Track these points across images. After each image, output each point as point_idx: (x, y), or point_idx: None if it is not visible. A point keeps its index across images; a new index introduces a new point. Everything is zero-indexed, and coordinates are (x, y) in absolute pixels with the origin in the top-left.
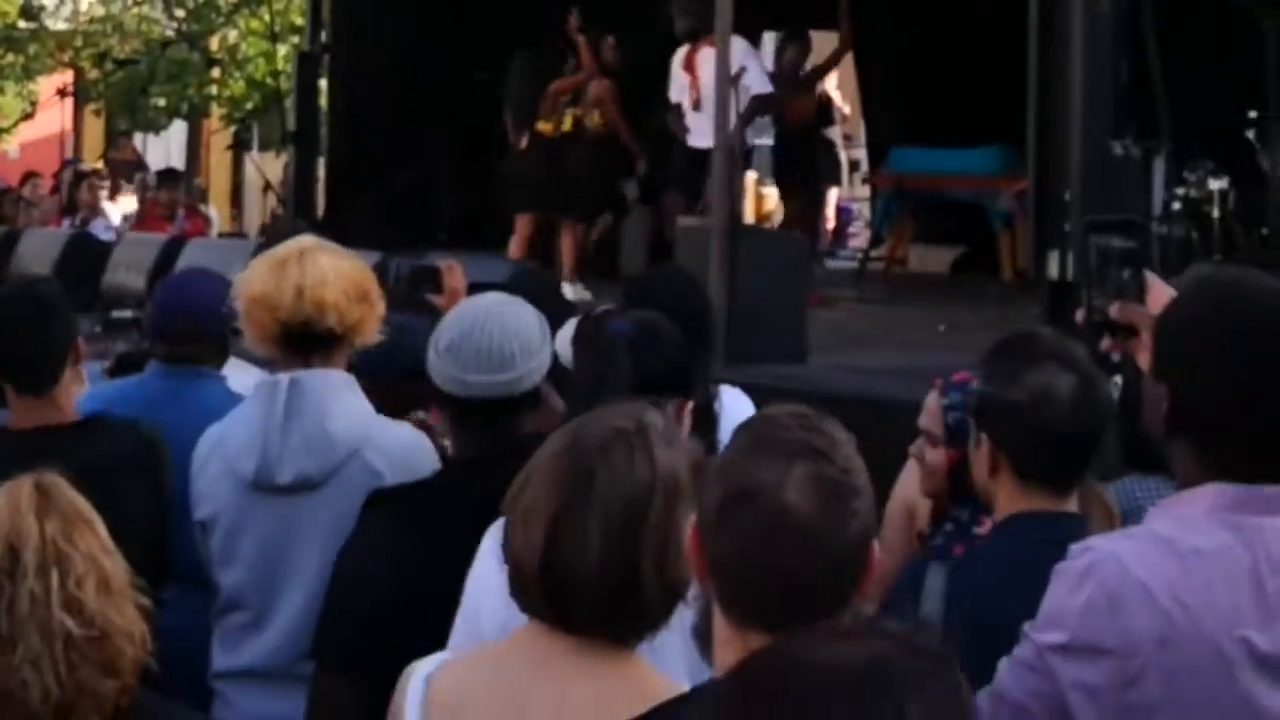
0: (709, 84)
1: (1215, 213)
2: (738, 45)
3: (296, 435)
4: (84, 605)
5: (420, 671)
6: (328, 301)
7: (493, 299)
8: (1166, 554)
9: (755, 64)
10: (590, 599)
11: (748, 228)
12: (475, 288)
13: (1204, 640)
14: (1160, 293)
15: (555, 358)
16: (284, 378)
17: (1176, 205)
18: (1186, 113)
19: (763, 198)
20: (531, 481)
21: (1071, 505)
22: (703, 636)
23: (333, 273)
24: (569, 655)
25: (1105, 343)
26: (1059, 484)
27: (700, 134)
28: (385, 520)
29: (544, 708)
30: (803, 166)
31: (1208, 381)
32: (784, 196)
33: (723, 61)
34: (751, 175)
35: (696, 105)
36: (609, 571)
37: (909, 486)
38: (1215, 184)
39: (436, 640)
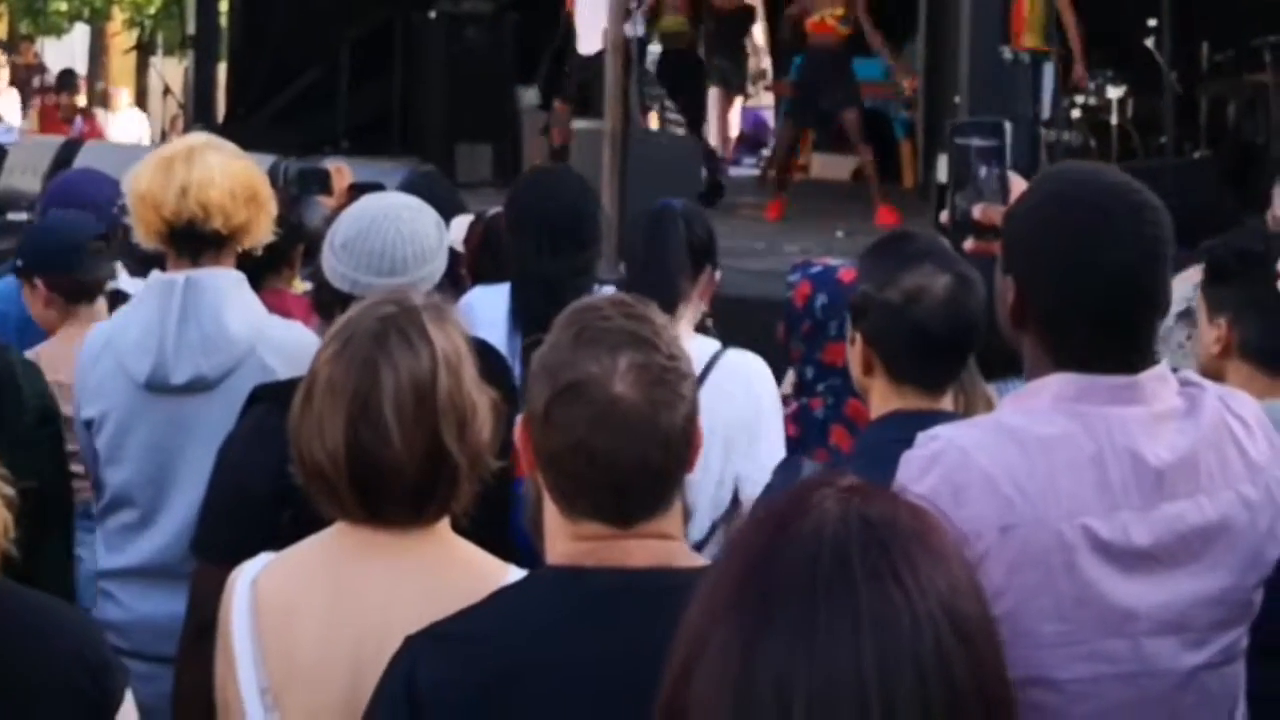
0: None
1: (1114, 119)
2: None
3: (194, 334)
4: None
5: (246, 574)
6: (213, 201)
7: (393, 199)
8: (1010, 442)
9: None
10: (402, 486)
11: (640, 131)
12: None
13: (1045, 527)
14: (1020, 192)
15: (453, 255)
16: (179, 277)
17: (1076, 113)
18: (1086, 20)
19: None
20: (313, 387)
21: (946, 403)
22: (533, 526)
23: (220, 172)
24: (391, 546)
25: (968, 244)
26: (931, 383)
27: (587, 38)
28: (268, 414)
29: (375, 602)
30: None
31: (1048, 273)
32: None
33: None
34: None
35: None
36: (414, 454)
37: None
38: (1114, 91)
39: (313, 525)
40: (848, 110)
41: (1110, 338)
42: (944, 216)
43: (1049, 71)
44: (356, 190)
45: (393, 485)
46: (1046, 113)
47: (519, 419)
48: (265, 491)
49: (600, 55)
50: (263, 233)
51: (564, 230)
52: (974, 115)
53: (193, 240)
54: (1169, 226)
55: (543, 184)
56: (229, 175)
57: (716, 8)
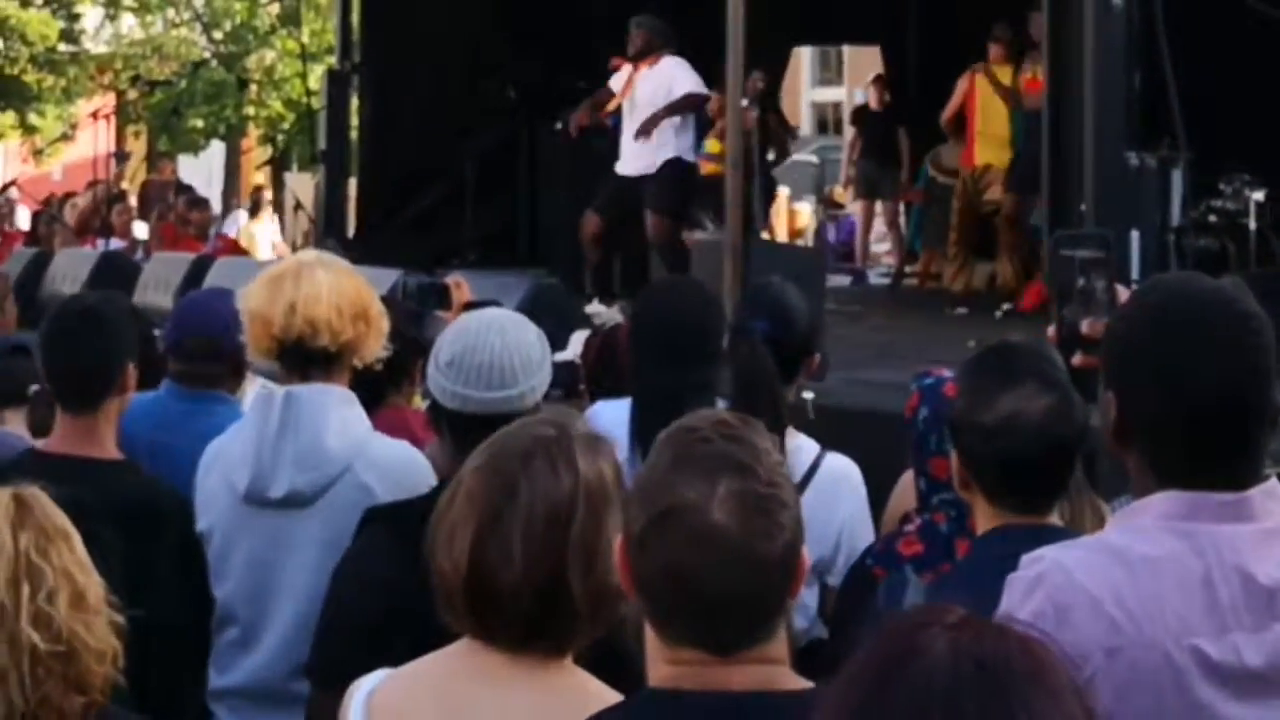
0: (644, 105)
1: (1251, 224)
2: (670, 62)
3: (290, 449)
4: (53, 620)
5: (363, 688)
6: (320, 319)
7: (494, 314)
8: (1115, 563)
9: (686, 74)
10: (516, 611)
11: (760, 241)
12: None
13: (1153, 649)
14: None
15: (571, 368)
16: (280, 391)
17: (1212, 217)
18: (1223, 124)
19: (795, 214)
20: (455, 496)
21: (1052, 518)
22: (636, 650)
23: (328, 289)
24: (505, 668)
25: (1077, 358)
26: (1029, 505)
27: (630, 159)
28: (381, 536)
29: None
30: None
31: (1148, 388)
32: None
33: (734, 78)
34: (783, 192)
35: (629, 127)
36: (533, 582)
37: (900, 505)
38: (1252, 195)
39: (431, 650)
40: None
41: (1215, 453)
42: (1051, 331)
43: (1178, 176)
44: (472, 308)
45: (507, 608)
46: (1176, 219)
47: (618, 540)
48: (379, 615)
49: (632, 177)
50: (372, 349)
51: (685, 343)
52: (1099, 223)
53: (301, 357)
54: (1272, 335)
55: (665, 296)
56: (337, 292)
57: (865, 109)
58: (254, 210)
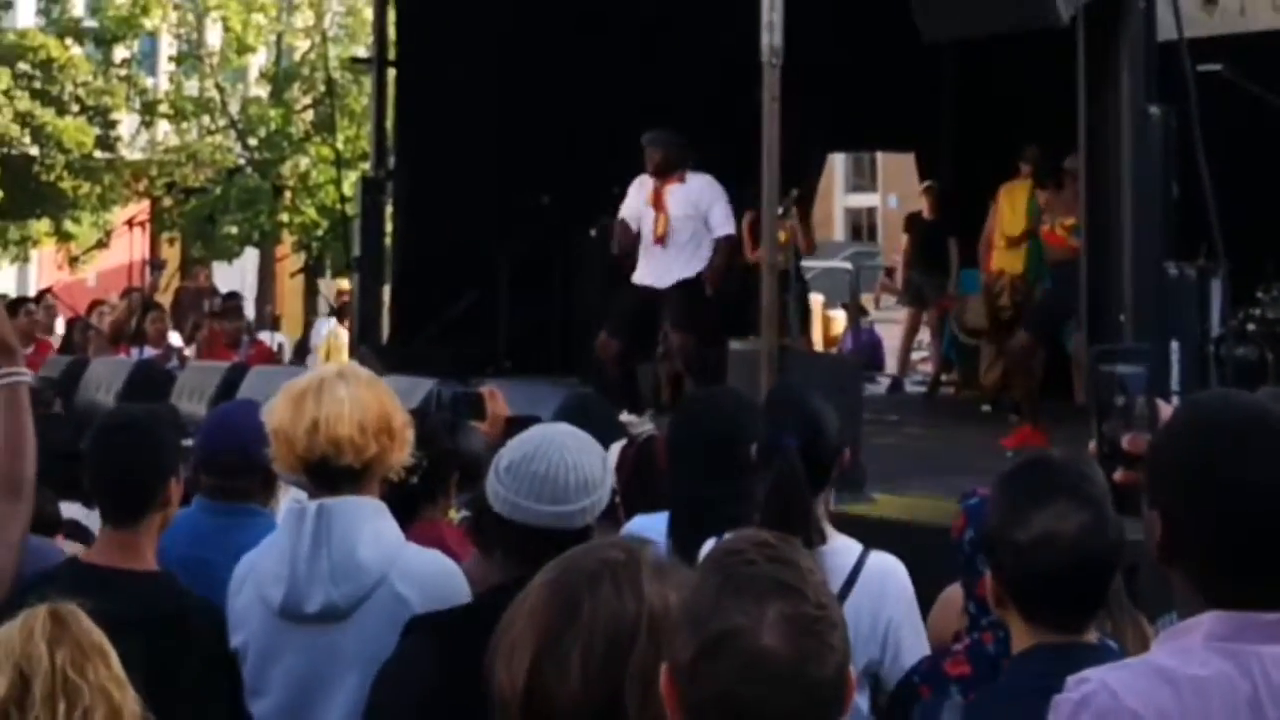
0: (679, 220)
1: None
2: (699, 181)
3: (324, 563)
4: None
5: None
6: (342, 437)
7: (560, 428)
8: (1161, 684)
9: (718, 196)
10: None
11: (796, 351)
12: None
13: None
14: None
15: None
16: (311, 505)
17: (1250, 326)
18: (1260, 231)
19: (830, 321)
20: (517, 616)
21: (1089, 635)
22: None
23: (350, 406)
24: None
25: (1118, 474)
26: (1065, 623)
27: (657, 272)
28: (423, 647)
29: None
30: None
31: (1193, 506)
32: None
33: (770, 188)
34: (818, 299)
35: (662, 241)
36: (590, 706)
37: (941, 621)
38: None
39: None
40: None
41: (1261, 571)
42: (1092, 446)
43: (1217, 286)
44: (514, 424)
45: None
46: (1216, 329)
47: (664, 668)
48: None
49: (652, 289)
50: (398, 461)
51: (721, 455)
52: (1138, 334)
53: (328, 474)
54: None
55: (702, 406)
56: (359, 408)
57: (917, 216)
58: (340, 315)
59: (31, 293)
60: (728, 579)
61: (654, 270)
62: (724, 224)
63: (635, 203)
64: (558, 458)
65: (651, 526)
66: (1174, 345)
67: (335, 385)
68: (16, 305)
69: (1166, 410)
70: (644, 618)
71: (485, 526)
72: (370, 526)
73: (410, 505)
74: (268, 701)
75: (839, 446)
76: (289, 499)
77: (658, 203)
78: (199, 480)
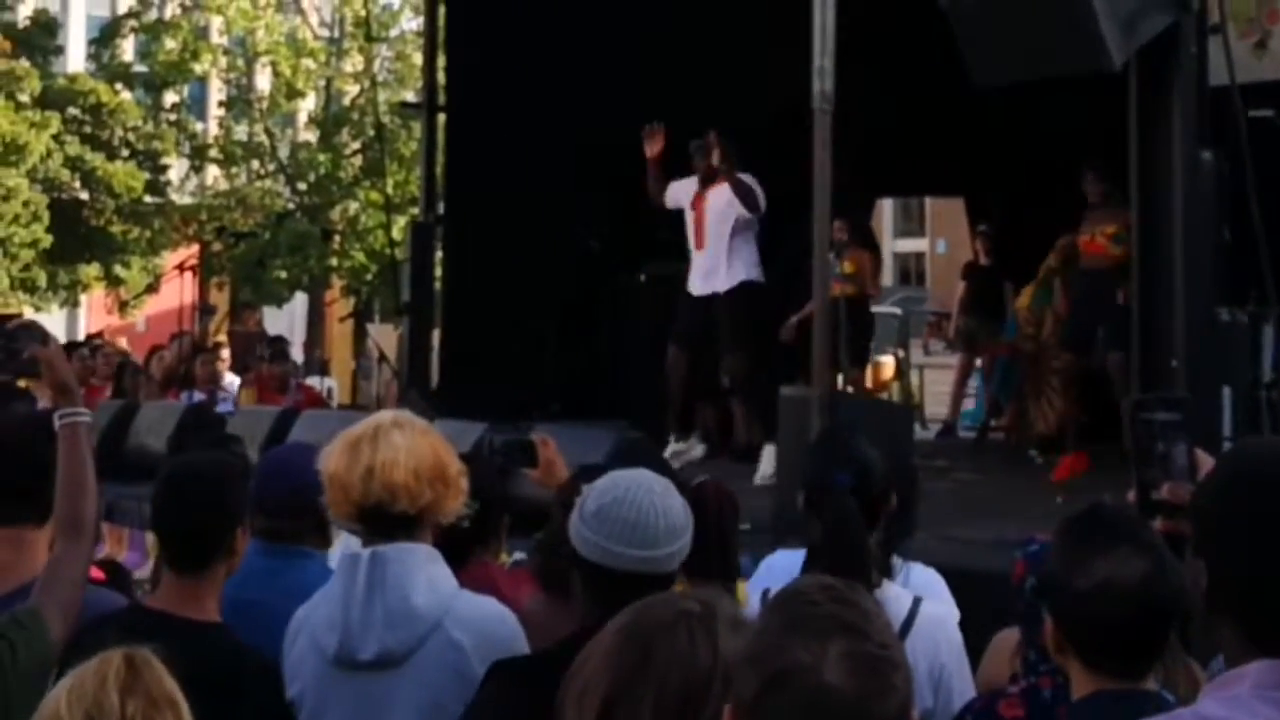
0: (716, 225)
1: None
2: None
3: (378, 610)
4: None
5: None
6: (398, 484)
7: (644, 473)
8: None
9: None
10: None
11: (847, 396)
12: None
13: None
14: (1210, 469)
15: None
16: (365, 552)
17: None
18: None
19: (880, 366)
20: (590, 658)
21: (1149, 683)
22: None
23: (405, 453)
24: None
25: (1158, 523)
26: (1126, 670)
27: (701, 277)
28: (505, 693)
29: None
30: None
31: (1240, 557)
32: None
33: (821, 234)
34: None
35: (700, 245)
36: None
37: (993, 667)
38: None
39: None
40: (1115, 351)
41: None
42: (1130, 495)
43: (1269, 331)
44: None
45: None
46: (1268, 375)
47: (727, 709)
48: None
49: (706, 297)
50: (452, 509)
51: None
52: (1191, 379)
53: (382, 521)
54: None
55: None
56: (415, 456)
57: (975, 263)
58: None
59: (80, 337)
60: (791, 619)
61: (702, 274)
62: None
63: (679, 198)
64: (646, 503)
65: (788, 562)
66: (1226, 391)
67: (390, 432)
68: (69, 350)
69: (1205, 459)
70: (718, 670)
71: (554, 570)
72: (424, 573)
73: (462, 549)
74: None
75: (886, 489)
76: (342, 545)
77: (698, 205)
78: (253, 522)
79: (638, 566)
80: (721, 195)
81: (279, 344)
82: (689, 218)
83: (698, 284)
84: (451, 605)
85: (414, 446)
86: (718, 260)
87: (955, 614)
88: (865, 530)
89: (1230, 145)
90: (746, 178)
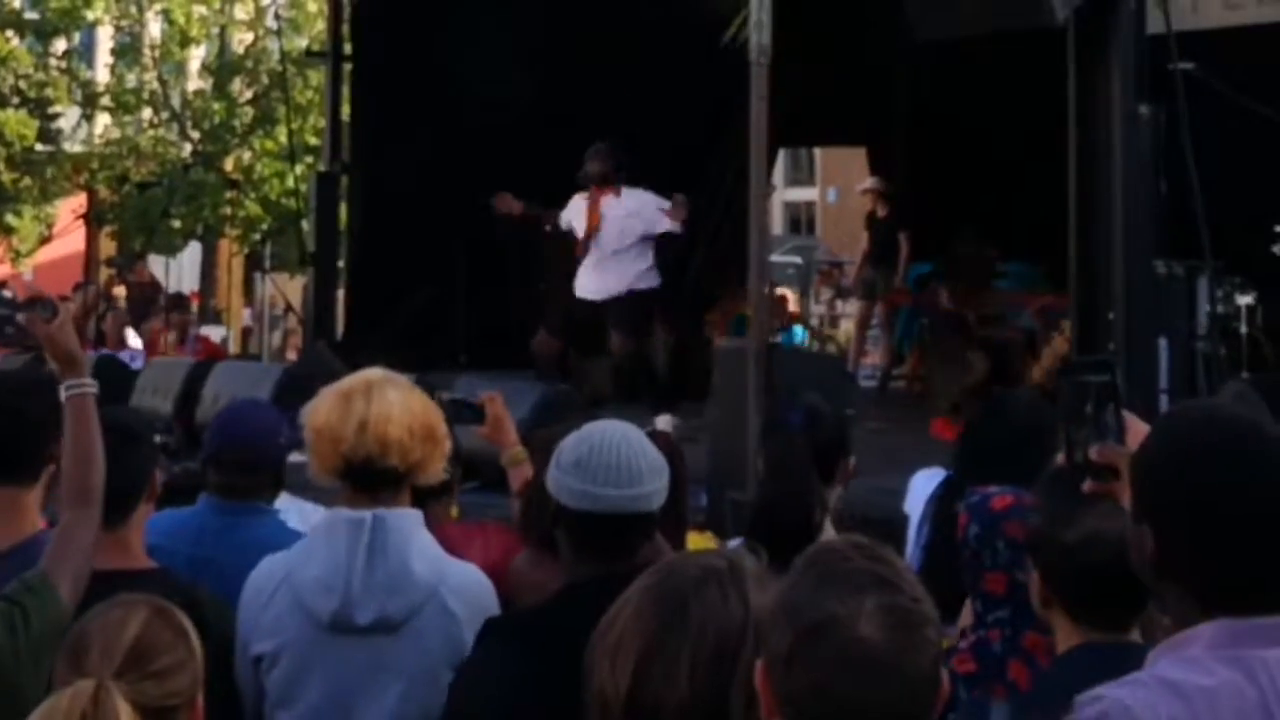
0: (610, 234)
1: (1243, 329)
2: (633, 194)
3: (380, 574)
4: None
5: None
6: (391, 438)
7: (614, 422)
8: (1173, 697)
9: (655, 204)
10: None
11: (785, 347)
12: None
13: None
14: (1139, 432)
15: None
16: (367, 515)
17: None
18: (1215, 227)
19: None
20: (622, 616)
21: (1133, 635)
22: None
23: (399, 409)
24: None
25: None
26: (1111, 623)
27: (592, 285)
28: (503, 650)
29: None
30: None
31: (1185, 525)
32: None
33: (759, 181)
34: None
35: (589, 251)
36: (697, 710)
37: None
38: (1242, 299)
39: None
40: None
41: (1259, 576)
42: (1060, 457)
43: (1205, 284)
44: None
45: None
46: (1203, 327)
47: (759, 663)
48: None
49: (593, 302)
50: (436, 470)
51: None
52: (1128, 331)
53: (370, 476)
54: None
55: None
56: (408, 412)
57: (873, 215)
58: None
59: None
60: (825, 573)
61: (593, 281)
62: (657, 219)
63: (575, 217)
64: (624, 446)
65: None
66: (1162, 343)
67: (384, 388)
68: None
69: (1134, 422)
70: (750, 624)
71: (533, 524)
72: (418, 539)
73: (419, 505)
74: (300, 708)
75: (843, 444)
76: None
77: (596, 215)
78: (207, 478)
79: (626, 506)
80: (620, 206)
81: (179, 298)
82: (579, 225)
83: (588, 290)
84: (444, 573)
85: (407, 403)
86: (610, 269)
87: None
88: (811, 466)
89: (1167, 99)
90: (637, 193)
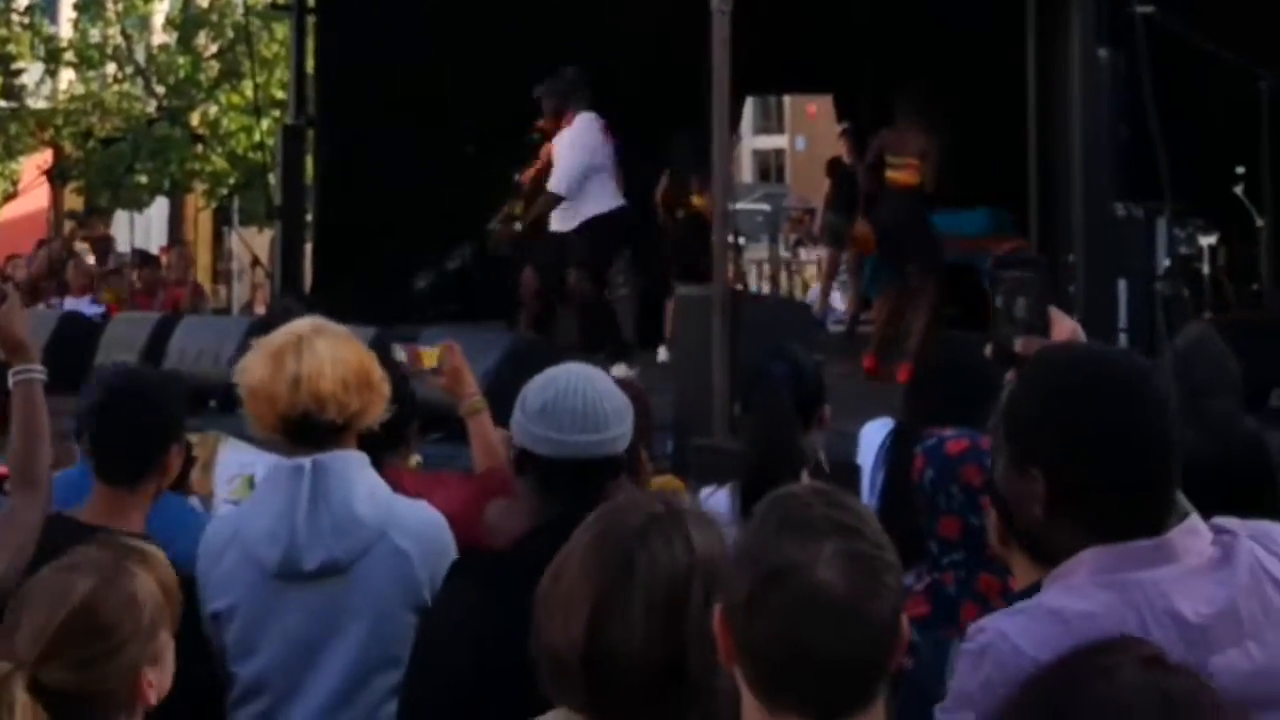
0: (566, 163)
1: (1205, 269)
2: (579, 124)
3: (324, 519)
4: None
5: None
6: (325, 393)
7: (578, 366)
8: (1054, 623)
9: (576, 138)
10: (633, 687)
11: (749, 296)
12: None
13: None
14: (1063, 325)
15: None
16: (305, 461)
17: (1166, 262)
18: (1177, 169)
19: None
20: (567, 569)
21: None
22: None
23: (330, 362)
24: None
25: (1010, 374)
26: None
27: (557, 216)
28: (472, 588)
29: None
30: None
31: (1081, 461)
32: None
33: (722, 131)
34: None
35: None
36: (653, 658)
37: None
38: (1205, 240)
39: (525, 712)
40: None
41: (1135, 502)
42: (988, 349)
43: (1164, 226)
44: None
45: (627, 682)
46: (1162, 268)
47: (716, 611)
48: (471, 676)
49: (561, 234)
50: (376, 415)
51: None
52: (1088, 273)
53: (309, 431)
54: (1165, 384)
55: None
56: (340, 363)
57: (838, 161)
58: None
59: None
60: (785, 520)
61: (556, 213)
62: (562, 163)
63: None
64: (589, 390)
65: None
66: (1121, 284)
67: (314, 341)
68: None
69: (1060, 317)
70: (697, 568)
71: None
72: (363, 480)
73: (373, 454)
74: (261, 660)
75: (820, 394)
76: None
77: (547, 153)
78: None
79: (592, 451)
80: (563, 139)
81: (146, 254)
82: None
83: (555, 222)
84: (393, 512)
85: (338, 354)
86: (568, 203)
87: None
88: (795, 418)
89: (1127, 43)
90: (579, 122)
